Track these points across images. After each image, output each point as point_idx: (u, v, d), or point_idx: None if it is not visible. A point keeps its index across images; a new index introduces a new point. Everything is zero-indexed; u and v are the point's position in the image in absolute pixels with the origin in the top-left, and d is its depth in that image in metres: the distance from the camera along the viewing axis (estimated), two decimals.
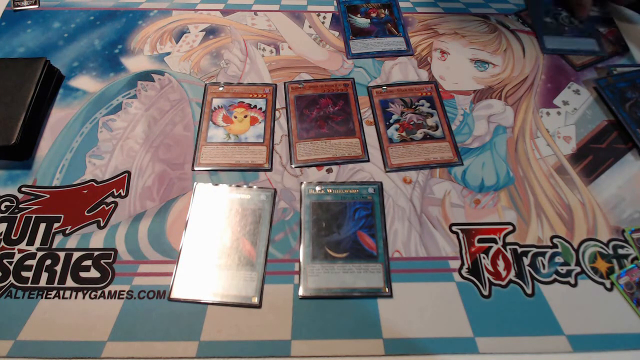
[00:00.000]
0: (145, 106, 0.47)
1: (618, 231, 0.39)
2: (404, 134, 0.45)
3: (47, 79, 0.46)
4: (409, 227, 0.39)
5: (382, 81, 0.50)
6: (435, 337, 0.33)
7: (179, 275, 0.36)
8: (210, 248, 0.37)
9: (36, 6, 0.56)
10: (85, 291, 0.35)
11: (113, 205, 0.40)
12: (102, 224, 0.39)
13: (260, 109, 0.47)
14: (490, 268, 0.37)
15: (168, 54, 0.52)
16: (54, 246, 0.37)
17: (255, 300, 0.35)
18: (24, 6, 0.56)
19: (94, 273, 0.36)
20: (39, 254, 0.37)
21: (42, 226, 0.39)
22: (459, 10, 0.58)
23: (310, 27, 0.55)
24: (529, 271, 0.37)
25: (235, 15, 0.56)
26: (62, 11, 0.56)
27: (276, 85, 0.49)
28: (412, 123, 0.46)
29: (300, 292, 0.35)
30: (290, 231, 0.39)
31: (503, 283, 0.36)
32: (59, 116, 0.46)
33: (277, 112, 0.47)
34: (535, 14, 0.57)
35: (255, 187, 0.41)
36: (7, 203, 0.40)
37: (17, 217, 0.39)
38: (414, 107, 0.47)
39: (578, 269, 0.37)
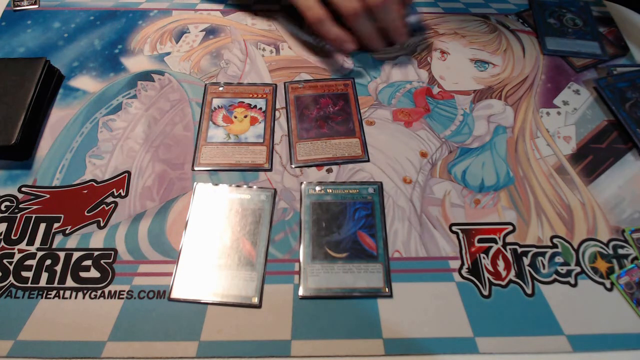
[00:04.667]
0: (145, 106, 0.47)
1: (618, 231, 0.39)
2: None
3: (47, 79, 0.46)
4: (409, 227, 0.39)
5: (382, 81, 0.50)
6: (435, 337, 0.33)
7: (179, 275, 0.36)
8: (210, 248, 0.37)
9: (36, 6, 0.56)
10: (85, 291, 0.35)
11: (113, 205, 0.40)
12: (102, 224, 0.39)
13: (260, 109, 0.47)
14: (490, 268, 0.37)
15: (168, 54, 0.52)
16: (54, 246, 0.37)
17: (255, 300, 0.35)
18: (24, 6, 0.56)
19: (94, 273, 0.36)
20: (39, 254, 0.37)
21: (42, 226, 0.39)
22: (459, 10, 0.58)
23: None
24: (529, 271, 0.37)
25: (235, 15, 0.56)
26: (62, 11, 0.56)
27: (276, 85, 0.49)
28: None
29: (300, 292, 0.35)
30: (290, 231, 0.39)
31: (503, 283, 0.36)
32: (59, 116, 0.46)
33: (277, 112, 0.47)
34: (538, 14, 0.57)
35: (255, 187, 0.41)
36: (7, 203, 0.40)
37: (17, 217, 0.39)
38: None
39: (578, 269, 0.37)
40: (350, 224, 0.39)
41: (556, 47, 0.54)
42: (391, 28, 0.46)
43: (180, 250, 0.37)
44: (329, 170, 0.43)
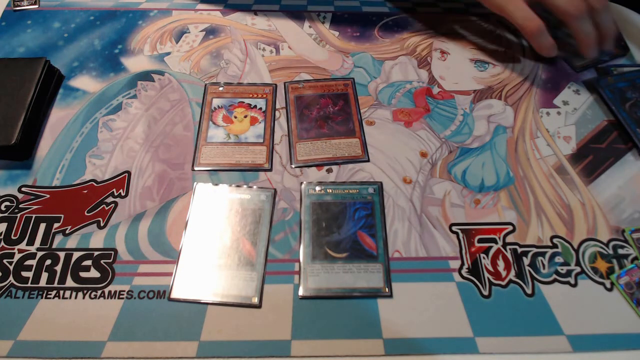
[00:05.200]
0: (145, 106, 0.47)
1: (618, 231, 0.39)
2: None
3: (47, 79, 0.46)
4: (409, 227, 0.39)
5: (382, 81, 0.50)
6: (435, 337, 0.33)
7: (179, 275, 0.36)
8: (210, 248, 0.37)
9: (36, 6, 0.56)
10: (85, 291, 0.35)
11: (113, 205, 0.40)
12: (102, 224, 0.39)
13: (260, 109, 0.47)
14: (490, 268, 0.37)
15: (168, 54, 0.52)
16: (54, 246, 0.37)
17: (255, 300, 0.35)
18: (24, 6, 0.56)
19: (94, 273, 0.36)
20: (39, 254, 0.37)
21: (42, 226, 0.39)
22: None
23: (310, 27, 0.56)
24: (529, 271, 0.37)
25: (235, 15, 0.56)
26: (62, 11, 0.56)
27: (276, 85, 0.49)
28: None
29: (300, 292, 0.35)
30: (290, 231, 0.39)
31: (503, 283, 0.36)
32: (59, 116, 0.46)
33: (277, 112, 0.47)
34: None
35: (255, 187, 0.41)
36: (7, 203, 0.40)
37: (17, 217, 0.39)
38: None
39: (578, 269, 0.37)
40: (350, 224, 0.39)
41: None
42: (607, 33, 0.44)
43: (180, 250, 0.37)
44: (329, 170, 0.43)
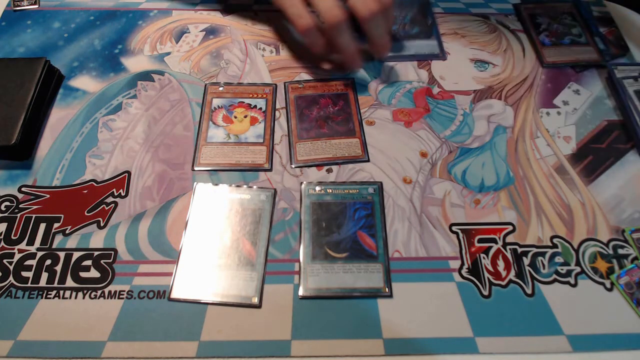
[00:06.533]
0: (145, 106, 0.47)
1: (618, 231, 0.39)
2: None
3: (47, 79, 0.46)
4: (409, 227, 0.39)
5: (382, 81, 0.50)
6: (435, 337, 0.33)
7: (179, 275, 0.36)
8: (210, 248, 0.37)
9: (36, 6, 0.56)
10: (85, 291, 0.35)
11: (113, 205, 0.40)
12: (102, 224, 0.39)
13: (260, 109, 0.47)
14: (490, 268, 0.37)
15: (168, 54, 0.52)
16: (54, 246, 0.38)
17: (255, 300, 0.35)
18: (24, 6, 0.56)
19: (94, 273, 0.36)
20: (39, 254, 0.37)
21: (42, 226, 0.39)
22: (459, 10, 0.58)
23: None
24: (529, 271, 0.37)
25: (235, 15, 0.56)
26: (62, 11, 0.56)
27: (276, 85, 0.49)
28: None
29: (300, 292, 0.35)
30: (290, 231, 0.39)
31: (503, 283, 0.36)
32: (59, 116, 0.46)
33: (277, 112, 0.47)
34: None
35: (255, 187, 0.41)
36: (7, 203, 0.40)
37: (17, 217, 0.39)
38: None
39: (578, 269, 0.37)
40: (350, 224, 0.39)
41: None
42: (377, 43, 0.44)
43: (180, 250, 0.37)
44: (329, 170, 0.43)
